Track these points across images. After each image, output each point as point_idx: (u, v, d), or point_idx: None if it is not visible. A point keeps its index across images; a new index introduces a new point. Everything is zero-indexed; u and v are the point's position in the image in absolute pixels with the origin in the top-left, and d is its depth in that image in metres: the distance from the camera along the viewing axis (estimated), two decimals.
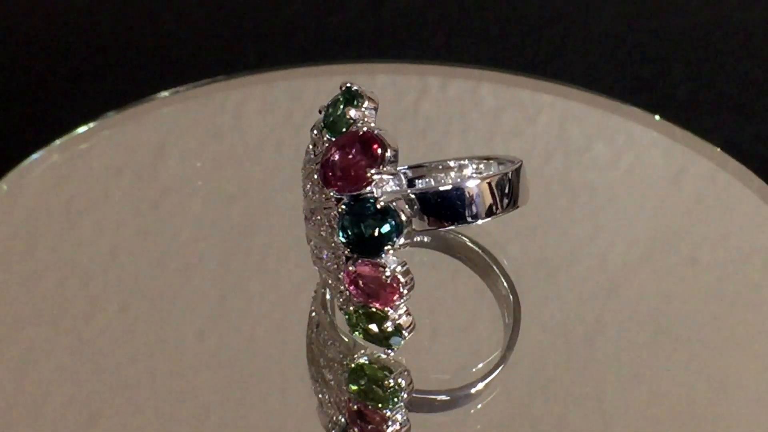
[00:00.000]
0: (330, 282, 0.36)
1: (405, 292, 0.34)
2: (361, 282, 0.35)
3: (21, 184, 0.46)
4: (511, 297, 0.40)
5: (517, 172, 0.37)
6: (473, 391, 0.39)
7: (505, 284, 0.41)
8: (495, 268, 0.41)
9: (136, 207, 0.45)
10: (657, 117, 0.48)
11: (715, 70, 0.58)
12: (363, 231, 0.34)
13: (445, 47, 0.59)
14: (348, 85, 0.36)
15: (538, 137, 0.48)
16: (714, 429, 0.40)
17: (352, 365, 0.35)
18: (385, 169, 0.34)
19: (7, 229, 0.45)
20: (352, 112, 0.35)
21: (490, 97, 0.49)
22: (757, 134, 0.56)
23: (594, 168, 0.47)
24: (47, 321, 0.42)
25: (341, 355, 0.36)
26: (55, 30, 0.60)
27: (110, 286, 0.43)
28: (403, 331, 0.35)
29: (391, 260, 0.34)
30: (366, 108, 0.35)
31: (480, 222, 0.36)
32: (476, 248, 0.42)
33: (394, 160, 0.34)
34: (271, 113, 0.48)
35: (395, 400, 0.35)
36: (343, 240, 0.34)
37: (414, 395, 0.36)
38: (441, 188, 0.36)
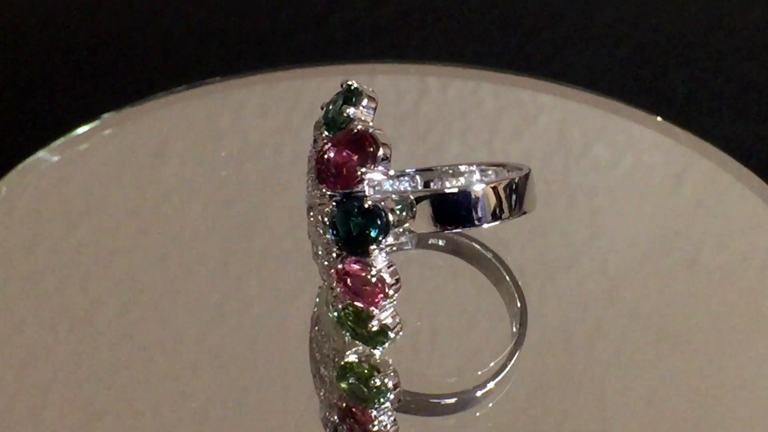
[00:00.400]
0: (324, 279, 0.36)
1: (390, 293, 0.34)
2: (348, 280, 0.35)
3: (21, 184, 0.46)
4: (518, 303, 0.40)
5: (525, 178, 0.38)
6: (479, 394, 0.39)
7: (514, 291, 0.41)
8: (505, 273, 0.41)
9: (136, 207, 0.45)
10: (658, 118, 0.48)
11: (715, 70, 0.58)
12: (351, 229, 0.34)
13: (445, 47, 0.59)
14: (349, 83, 0.36)
15: (538, 137, 0.48)
16: (715, 430, 0.40)
17: (342, 362, 0.35)
18: (377, 168, 0.34)
19: (6, 229, 0.45)
20: (350, 110, 0.35)
21: (490, 97, 0.49)
22: (757, 134, 0.56)
23: (594, 168, 0.47)
24: (47, 321, 0.42)
25: (334, 352, 0.36)
26: (55, 30, 0.60)
27: (110, 285, 0.43)
28: (389, 332, 0.35)
29: (380, 260, 0.34)
30: (364, 106, 0.35)
31: (486, 226, 0.36)
32: (487, 253, 0.42)
33: (387, 159, 0.34)
34: (272, 113, 0.48)
35: (381, 399, 0.35)
36: (332, 237, 0.35)
37: (421, 398, 0.36)
38: (447, 191, 0.36)
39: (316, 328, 0.38)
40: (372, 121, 0.35)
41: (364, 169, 0.34)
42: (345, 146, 0.35)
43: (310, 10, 0.61)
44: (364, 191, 0.34)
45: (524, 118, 0.48)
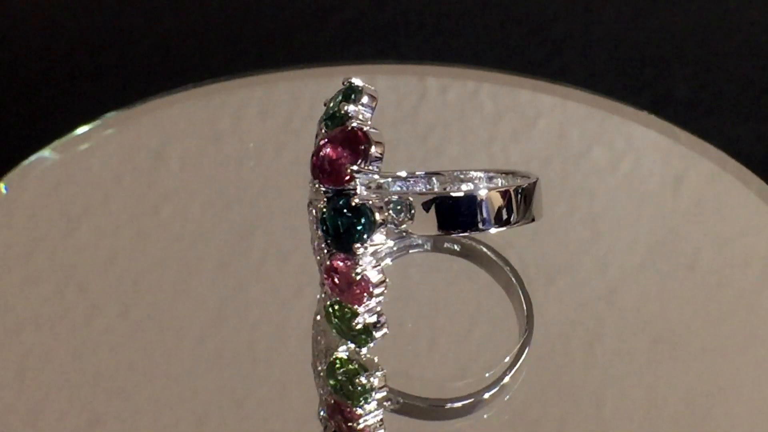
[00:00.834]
0: (320, 274, 0.36)
1: (375, 292, 0.34)
2: (336, 277, 0.35)
3: (21, 184, 0.46)
4: (525, 308, 0.40)
5: (533, 185, 0.37)
6: (487, 396, 0.39)
7: (521, 296, 0.41)
8: (512, 278, 0.41)
9: (136, 207, 0.45)
10: (658, 119, 0.48)
11: (715, 70, 0.58)
12: (339, 226, 0.34)
13: (445, 47, 0.59)
14: (350, 80, 0.36)
15: (538, 138, 0.48)
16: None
17: (332, 359, 0.36)
18: (369, 166, 0.34)
19: (6, 230, 0.45)
20: (348, 107, 0.35)
21: (490, 97, 0.49)
22: (757, 134, 0.56)
23: (594, 168, 0.47)
24: (46, 323, 0.42)
25: (326, 348, 0.36)
26: (55, 30, 0.60)
27: (111, 285, 0.43)
28: (373, 332, 0.35)
29: (366, 259, 0.34)
30: (364, 104, 0.35)
31: (493, 231, 0.36)
32: (497, 258, 0.42)
33: (380, 158, 0.34)
34: (271, 114, 0.48)
35: (366, 398, 0.35)
36: (322, 233, 0.35)
37: (430, 404, 0.36)
38: (452, 194, 0.36)
39: (317, 318, 0.38)
40: (371, 119, 0.35)
41: (355, 167, 0.34)
42: (339, 143, 0.35)
43: (310, 10, 0.61)
44: (356, 189, 0.34)
45: (524, 119, 0.48)
